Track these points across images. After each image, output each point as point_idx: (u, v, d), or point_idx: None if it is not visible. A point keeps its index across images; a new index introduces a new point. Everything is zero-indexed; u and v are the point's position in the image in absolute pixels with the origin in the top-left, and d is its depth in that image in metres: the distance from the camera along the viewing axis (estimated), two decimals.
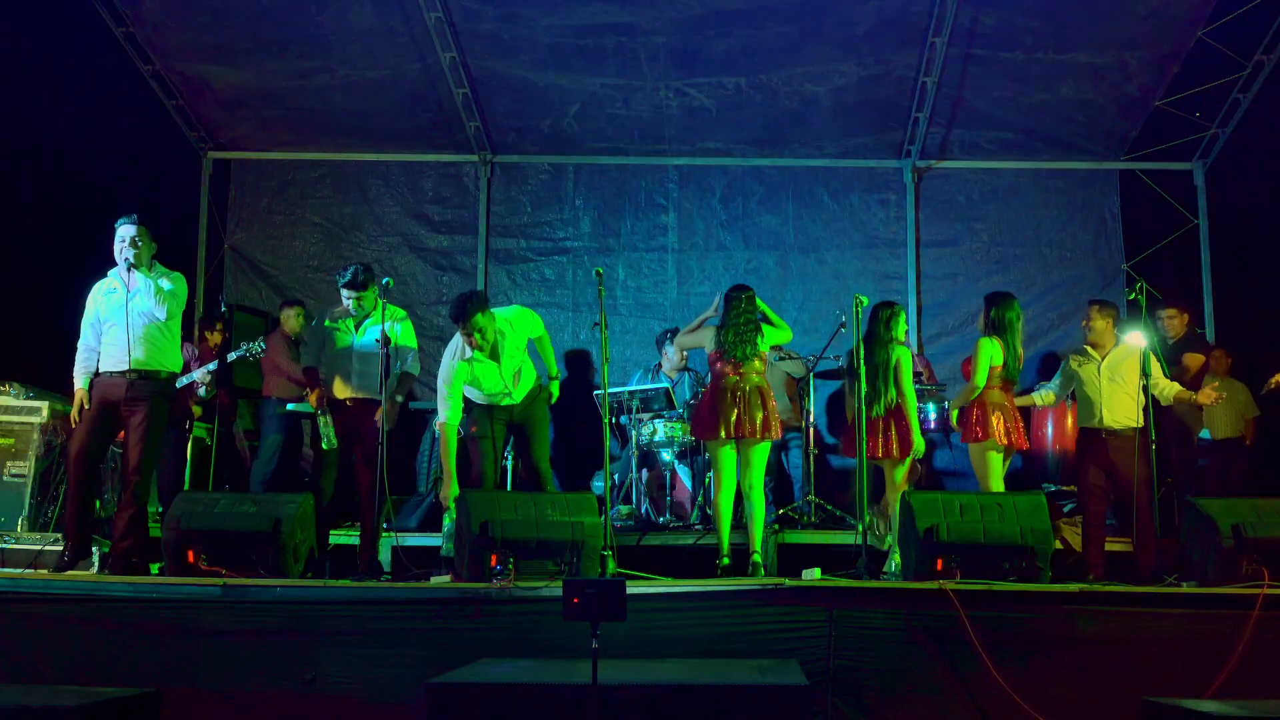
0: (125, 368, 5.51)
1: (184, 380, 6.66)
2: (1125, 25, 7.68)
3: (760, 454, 6.05)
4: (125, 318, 5.49)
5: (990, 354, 6.19)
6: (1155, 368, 6.20)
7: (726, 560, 5.90)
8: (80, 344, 5.67)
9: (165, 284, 5.54)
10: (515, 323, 6.02)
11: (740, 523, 6.10)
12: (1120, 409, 6.16)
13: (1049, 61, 8.00)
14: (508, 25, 7.88)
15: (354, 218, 9.27)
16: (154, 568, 5.66)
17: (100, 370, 5.60)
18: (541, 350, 6.26)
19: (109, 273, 5.64)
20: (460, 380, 5.90)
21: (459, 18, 7.85)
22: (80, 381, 5.63)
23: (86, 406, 5.59)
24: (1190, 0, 7.54)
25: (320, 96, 8.56)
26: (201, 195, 9.28)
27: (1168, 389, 6.22)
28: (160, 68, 8.38)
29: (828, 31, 7.83)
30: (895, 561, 5.86)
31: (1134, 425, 6.04)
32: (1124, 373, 6.20)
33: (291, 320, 7.83)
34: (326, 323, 6.26)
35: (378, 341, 5.87)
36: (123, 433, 5.72)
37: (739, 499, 6.08)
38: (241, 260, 9.23)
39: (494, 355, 5.89)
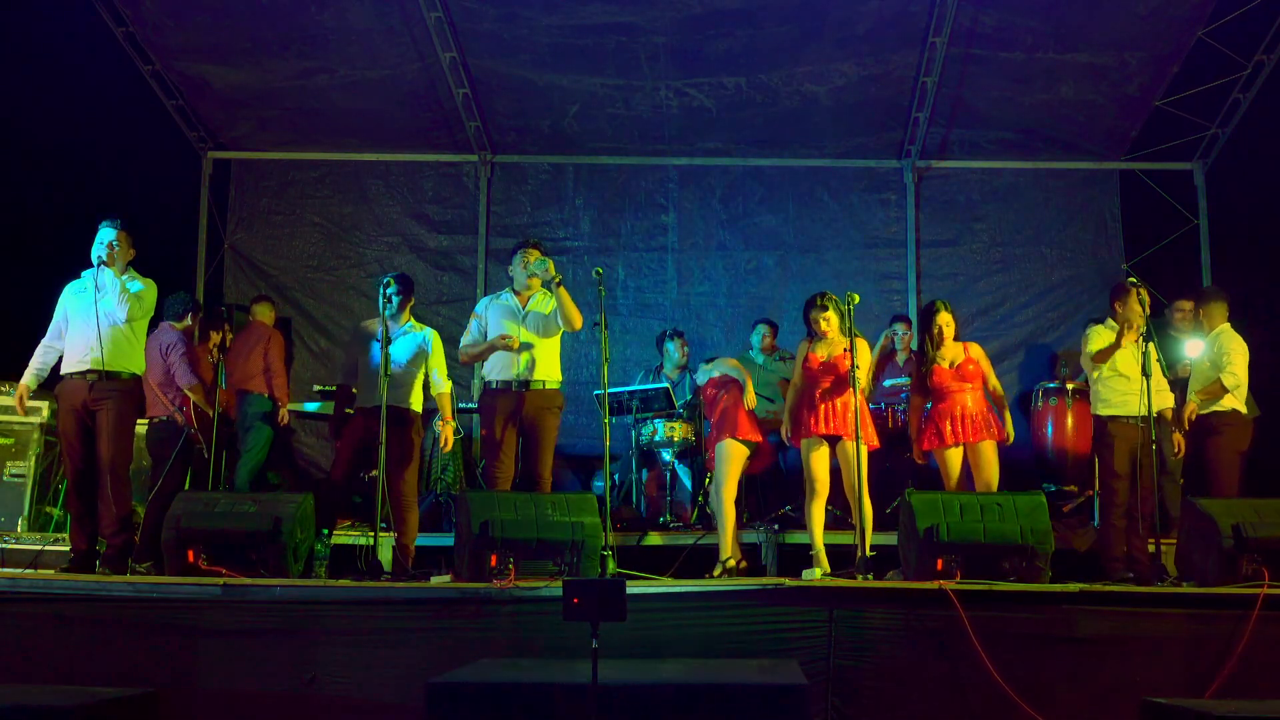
0: (87, 368, 5.51)
1: None
2: (1125, 25, 7.67)
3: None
4: (93, 317, 5.49)
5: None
6: (1157, 369, 6.18)
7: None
8: (43, 341, 5.67)
9: (132, 286, 5.56)
10: None
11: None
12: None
13: (1049, 61, 7.99)
14: (508, 25, 7.87)
15: (354, 218, 9.26)
16: (141, 566, 5.67)
17: (64, 372, 5.60)
18: None
19: (83, 273, 5.67)
20: None
21: (459, 18, 7.85)
22: (27, 378, 5.63)
23: (25, 403, 5.61)
24: (1190, 0, 7.54)
25: (320, 96, 8.55)
26: (201, 195, 9.27)
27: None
28: (160, 68, 8.37)
29: (828, 31, 7.83)
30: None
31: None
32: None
33: (271, 313, 7.78)
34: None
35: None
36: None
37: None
38: (241, 260, 9.22)
39: None
